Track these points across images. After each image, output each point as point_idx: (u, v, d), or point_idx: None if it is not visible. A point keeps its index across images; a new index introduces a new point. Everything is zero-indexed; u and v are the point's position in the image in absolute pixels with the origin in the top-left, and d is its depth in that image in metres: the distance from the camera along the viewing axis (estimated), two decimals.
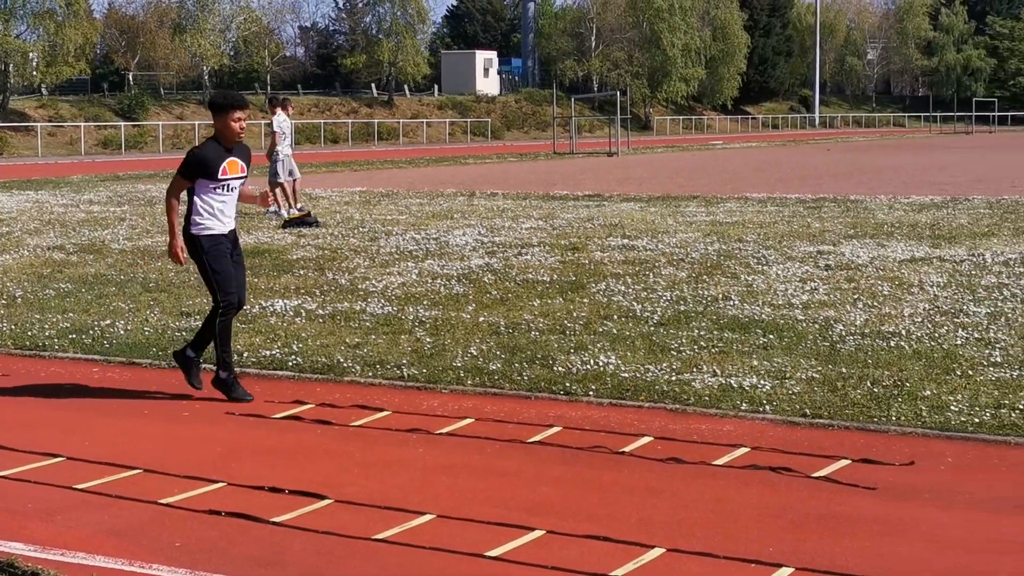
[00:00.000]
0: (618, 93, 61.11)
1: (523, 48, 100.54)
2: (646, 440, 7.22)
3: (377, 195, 27.78)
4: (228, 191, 8.19)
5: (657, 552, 5.36)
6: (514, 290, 12.71)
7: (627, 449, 7.05)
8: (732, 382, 8.48)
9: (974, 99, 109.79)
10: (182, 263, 8.39)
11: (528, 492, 6.29)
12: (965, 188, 28.57)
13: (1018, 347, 9.45)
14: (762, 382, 8.47)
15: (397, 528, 5.69)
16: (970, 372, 8.65)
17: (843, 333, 10.10)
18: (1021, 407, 7.68)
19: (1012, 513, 5.88)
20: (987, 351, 9.33)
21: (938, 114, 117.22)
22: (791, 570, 5.15)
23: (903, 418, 7.55)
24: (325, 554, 5.41)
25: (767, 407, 7.89)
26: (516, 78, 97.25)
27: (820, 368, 8.85)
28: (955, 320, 10.63)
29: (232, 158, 8.17)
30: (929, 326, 10.36)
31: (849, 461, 6.73)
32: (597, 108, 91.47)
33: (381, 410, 8.01)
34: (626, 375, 8.75)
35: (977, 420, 7.46)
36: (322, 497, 6.16)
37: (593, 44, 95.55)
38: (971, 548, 5.42)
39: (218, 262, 8.14)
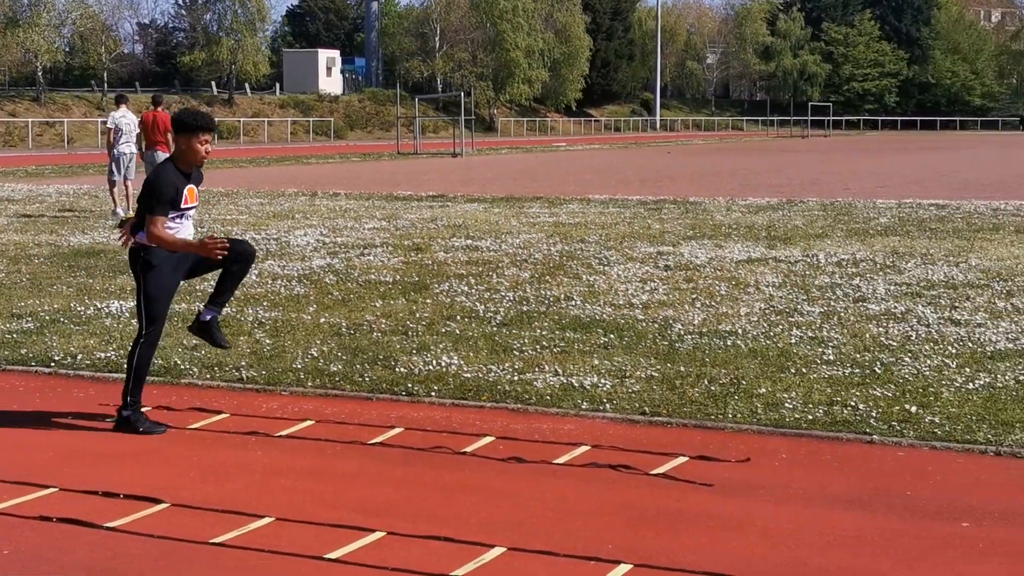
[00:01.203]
0: (462, 94, 61.18)
1: (366, 47, 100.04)
2: (488, 440, 7.22)
3: (216, 195, 27.38)
4: (183, 219, 7.52)
5: (498, 551, 5.37)
6: (356, 291, 12.64)
7: (469, 449, 7.04)
8: (573, 381, 8.54)
9: (810, 103, 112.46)
10: (221, 244, 7.36)
11: (369, 493, 6.24)
12: (800, 190, 29.25)
13: (850, 345, 9.69)
14: (603, 381, 8.54)
15: (235, 531, 5.61)
16: (804, 370, 8.84)
17: (682, 332, 10.25)
18: (852, 404, 7.87)
19: (843, 508, 6.02)
20: (820, 349, 9.55)
21: (775, 118, 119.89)
22: (630, 567, 5.19)
23: (739, 416, 7.69)
24: (161, 559, 5.30)
25: (607, 406, 7.96)
26: (359, 78, 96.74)
27: (659, 367, 8.97)
28: (790, 319, 10.87)
29: (190, 185, 7.52)
30: (765, 325, 10.57)
31: (687, 458, 6.82)
32: (441, 108, 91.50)
33: (219, 412, 7.88)
34: (468, 375, 8.75)
35: (811, 417, 7.62)
36: (158, 501, 6.04)
37: (437, 44, 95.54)
38: (804, 542, 5.54)
39: (157, 285, 7.41)
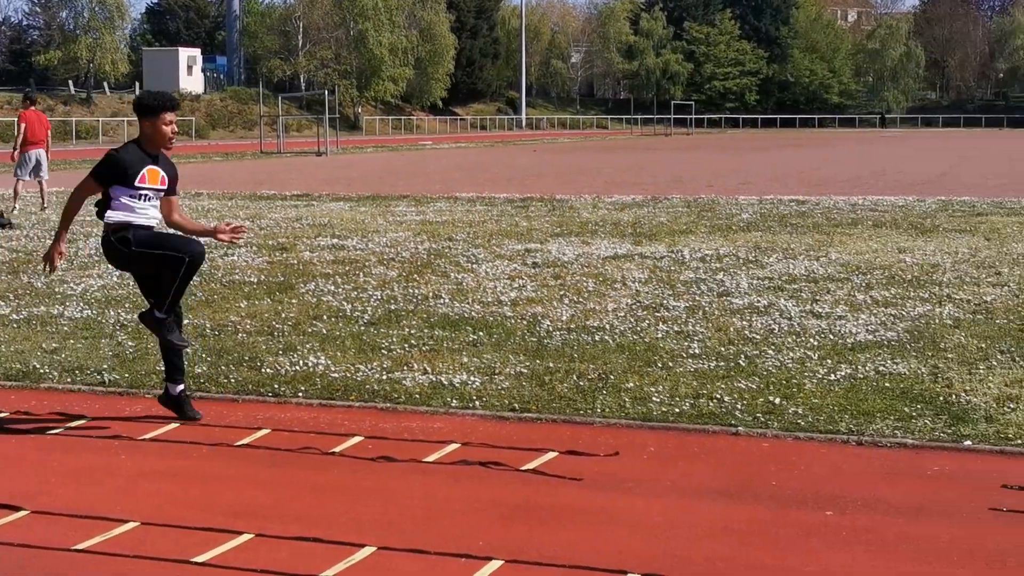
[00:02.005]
0: (326, 92, 60.76)
1: (228, 46, 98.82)
2: (357, 440, 7.17)
3: None
4: (145, 201, 7.25)
5: (368, 551, 5.33)
6: (220, 291, 12.46)
7: (337, 449, 6.99)
8: (443, 379, 8.52)
9: (672, 102, 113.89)
10: (55, 269, 7.46)
11: (236, 496, 6.16)
12: (664, 188, 29.58)
13: (715, 339, 9.82)
14: (472, 379, 8.54)
15: (99, 537, 5.48)
16: (670, 364, 8.93)
17: (550, 329, 10.29)
18: (718, 397, 7.97)
19: (710, 499, 6.09)
20: (686, 343, 9.66)
21: (639, 116, 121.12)
22: (501, 563, 5.19)
23: (608, 410, 7.73)
24: (19, 568, 5.16)
25: (477, 403, 7.95)
26: (221, 76, 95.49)
27: (528, 363, 8.99)
28: (656, 314, 10.97)
29: (153, 166, 7.29)
30: (632, 320, 10.66)
31: (556, 453, 6.84)
32: (305, 107, 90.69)
33: (81, 417, 7.71)
34: (336, 375, 8.68)
35: (677, 410, 7.71)
36: (17, 508, 5.88)
37: (300, 42, 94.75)
38: (673, 534, 5.59)
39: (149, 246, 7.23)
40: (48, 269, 7.43)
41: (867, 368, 8.72)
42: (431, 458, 6.80)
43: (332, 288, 12.58)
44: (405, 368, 8.88)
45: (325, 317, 10.92)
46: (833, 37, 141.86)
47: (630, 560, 5.25)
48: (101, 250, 7.63)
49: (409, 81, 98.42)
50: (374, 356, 9.29)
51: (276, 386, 8.40)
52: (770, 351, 9.33)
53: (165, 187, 7.38)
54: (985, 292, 12.05)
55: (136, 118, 7.52)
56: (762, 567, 5.20)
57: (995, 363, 8.86)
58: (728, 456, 6.87)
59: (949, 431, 7.20)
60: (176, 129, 7.43)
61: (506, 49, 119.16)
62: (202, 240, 7.67)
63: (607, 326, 10.37)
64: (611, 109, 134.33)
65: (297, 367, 8.92)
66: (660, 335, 10.00)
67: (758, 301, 11.62)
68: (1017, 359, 8.98)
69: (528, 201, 24.96)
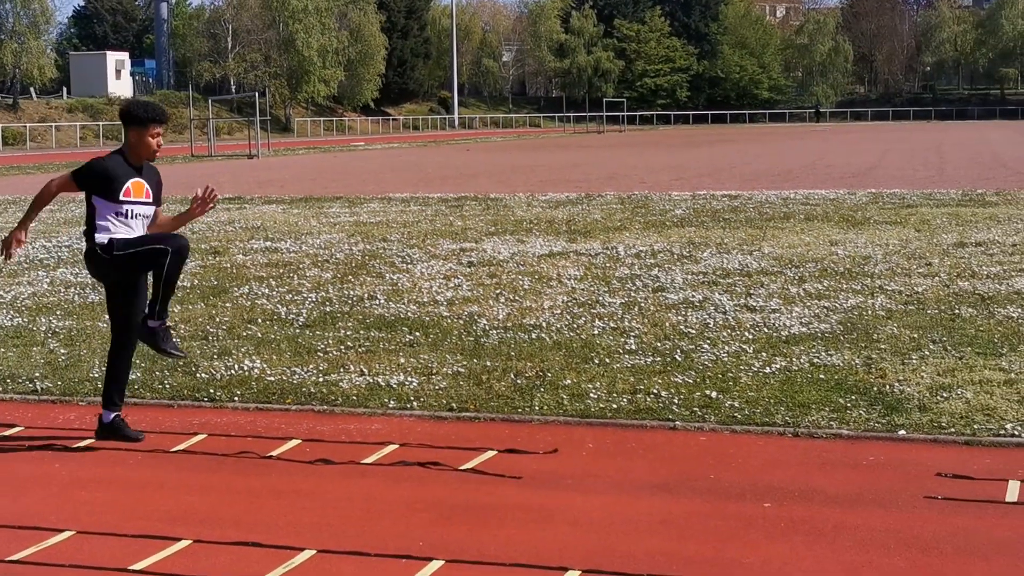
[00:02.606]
0: (256, 94, 60.35)
1: (157, 49, 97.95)
2: (294, 443, 7.14)
3: (3, 202, 26.46)
4: (131, 217, 6.98)
5: (307, 554, 5.31)
6: None
7: (275, 453, 6.95)
8: (380, 380, 8.50)
9: (604, 100, 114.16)
10: (11, 256, 7.10)
11: (173, 502, 6.10)
12: (598, 185, 29.65)
13: (651, 335, 9.86)
14: (409, 379, 8.52)
15: (33, 548, 5.42)
16: (607, 360, 8.96)
17: (487, 327, 10.29)
18: (655, 392, 8.01)
19: (649, 494, 6.12)
20: (622, 339, 9.69)
21: (571, 114, 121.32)
22: (441, 563, 5.19)
23: (546, 408, 7.75)
24: None
25: (415, 403, 7.95)
26: (150, 80, 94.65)
27: (465, 363, 8.98)
28: (592, 311, 11.00)
29: (138, 179, 7.04)
30: (568, 317, 10.68)
31: (495, 452, 6.85)
32: (236, 110, 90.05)
33: (13, 426, 7.62)
34: (272, 379, 8.63)
35: (615, 406, 7.74)
36: None
37: (230, 45, 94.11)
38: (612, 529, 5.61)
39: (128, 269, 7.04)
40: (4, 256, 7.10)
41: (802, 360, 8.79)
42: (369, 460, 6.79)
43: (266, 291, 12.50)
44: (341, 370, 8.85)
45: (260, 320, 10.85)
46: (762, 33, 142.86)
47: (571, 556, 5.26)
48: (84, 263, 7.38)
49: (340, 82, 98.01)
50: (310, 358, 9.25)
51: (212, 391, 8.34)
52: (706, 345, 9.38)
53: (150, 200, 7.13)
54: (916, 283, 12.18)
55: (119, 125, 7.37)
56: (702, 560, 5.23)
57: (927, 353, 8.96)
58: (666, 451, 6.91)
59: (883, 421, 7.28)
60: (162, 142, 7.19)
61: (437, 49, 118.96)
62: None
63: (544, 324, 10.38)
64: (544, 107, 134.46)
65: (232, 371, 8.86)
66: (596, 332, 10.03)
67: (693, 296, 11.67)
68: (949, 349, 9.09)
69: (462, 200, 24.93)
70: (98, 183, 6.94)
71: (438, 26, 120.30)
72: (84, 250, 7.23)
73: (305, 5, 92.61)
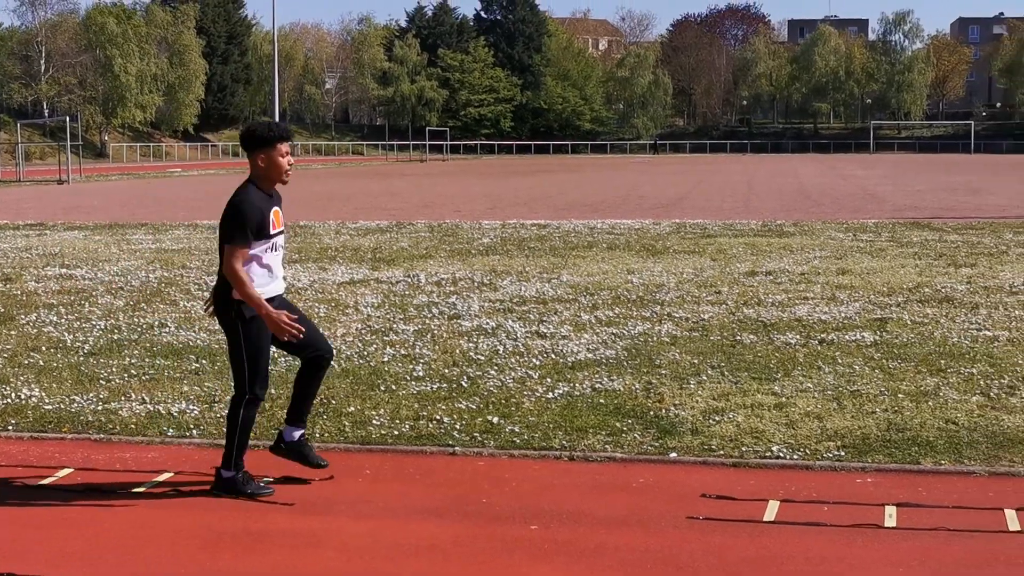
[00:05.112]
0: (67, 119, 59.04)
1: None
2: (66, 472, 7.02)
3: None
4: (275, 251, 6.46)
5: None
6: None
7: (46, 482, 6.83)
8: (161, 408, 8.41)
9: (428, 128, 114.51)
10: (296, 328, 6.36)
11: None
12: (412, 213, 29.73)
13: (440, 361, 9.93)
14: (191, 407, 8.45)
15: None
16: (394, 387, 9.00)
17: (276, 355, 10.17)
18: (438, 418, 8.07)
19: (421, 518, 6.17)
20: (411, 366, 9.74)
21: (395, 143, 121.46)
22: None
23: (327, 435, 7.76)
24: None
25: (194, 431, 7.88)
26: None
27: None
28: (385, 338, 11.02)
29: (276, 207, 6.47)
30: (359, 345, 10.69)
31: (271, 479, 6.82)
32: (49, 135, 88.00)
33: None
34: (50, 407, 8.47)
35: (397, 432, 7.78)
36: None
37: (43, 68, 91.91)
38: (379, 554, 5.64)
39: (259, 338, 6.44)
40: (293, 333, 6.37)
41: (584, 385, 8.95)
42: (141, 488, 6.71)
43: (55, 319, 12.24)
44: (123, 398, 8.72)
45: (44, 348, 10.62)
46: (584, 65, 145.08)
47: None
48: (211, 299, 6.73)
49: (158, 108, 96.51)
50: (92, 387, 9.09)
51: None
52: (492, 371, 9.48)
53: (284, 229, 6.65)
54: (704, 310, 12.50)
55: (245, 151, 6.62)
56: None
57: (705, 378, 9.21)
58: (443, 476, 6.96)
59: (657, 444, 7.46)
60: (292, 161, 6.64)
61: (258, 75, 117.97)
62: None
63: (334, 351, 10.34)
64: (367, 135, 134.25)
65: (9, 400, 8.66)
66: (386, 359, 10.06)
67: (487, 323, 11.79)
68: (726, 373, 9.35)
69: None
70: (257, 227, 6.34)
71: (260, 52, 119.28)
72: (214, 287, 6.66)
73: (124, 30, 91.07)
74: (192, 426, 7.98)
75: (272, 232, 6.41)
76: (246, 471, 6.64)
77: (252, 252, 6.33)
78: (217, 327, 11.51)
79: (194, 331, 11.45)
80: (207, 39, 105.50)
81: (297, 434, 6.81)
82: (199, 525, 6.05)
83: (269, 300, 6.38)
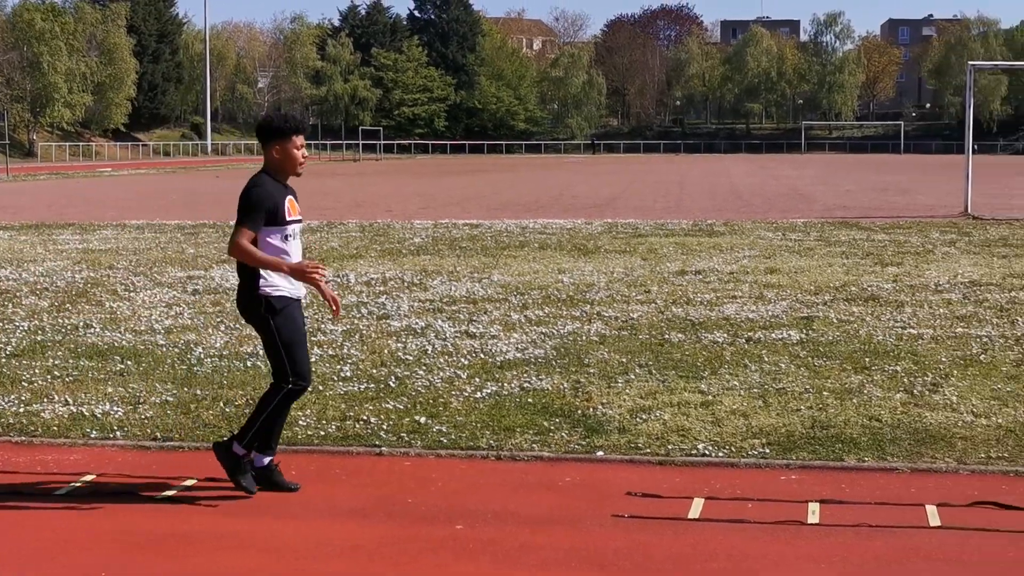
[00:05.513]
0: None
1: None
2: None
3: None
4: (292, 239, 6.46)
5: None
6: None
7: None
8: (84, 410, 8.32)
9: (361, 128, 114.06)
10: (320, 268, 6.39)
11: None
12: (343, 213, 29.62)
13: (368, 361, 9.90)
14: (115, 409, 8.37)
15: None
16: (320, 388, 8.95)
17: (202, 356, 10.16)
18: (365, 418, 8.05)
19: (345, 518, 6.15)
20: (339, 367, 9.70)
21: (328, 142, 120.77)
22: None
23: None
24: None
25: (118, 433, 7.80)
26: None
27: (176, 391, 8.86)
28: (312, 339, 10.93)
29: (290, 196, 6.48)
30: None
31: (195, 481, 6.78)
32: None
33: None
34: None
35: (323, 433, 7.75)
36: None
37: None
38: (303, 554, 5.62)
39: (291, 329, 6.43)
40: (319, 274, 6.39)
41: (512, 385, 8.96)
42: (63, 491, 6.63)
43: None
44: (45, 400, 8.62)
45: None
46: (518, 65, 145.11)
47: None
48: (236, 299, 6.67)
49: (88, 107, 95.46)
50: (13, 388, 8.98)
51: None
52: (421, 371, 9.47)
53: (300, 217, 6.65)
54: (633, 309, 12.55)
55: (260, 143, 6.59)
56: None
57: (633, 376, 9.25)
58: (369, 476, 6.94)
59: (584, 443, 7.48)
60: (307, 153, 6.64)
61: (190, 74, 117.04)
62: None
63: (259, 352, 10.29)
64: None
65: None
66: (314, 359, 9.98)
67: (416, 323, 11.77)
68: (654, 372, 9.40)
69: (199, 228, 24.56)
70: (268, 212, 6.37)
71: (191, 51, 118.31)
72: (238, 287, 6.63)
73: (52, 27, 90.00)
74: (116, 428, 7.90)
75: (288, 219, 6.43)
76: (251, 461, 6.61)
77: (268, 240, 6.34)
78: (143, 328, 11.45)
79: (119, 332, 11.34)
80: (138, 37, 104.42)
81: (267, 460, 6.73)
82: (122, 528, 5.99)
83: (290, 302, 6.43)
